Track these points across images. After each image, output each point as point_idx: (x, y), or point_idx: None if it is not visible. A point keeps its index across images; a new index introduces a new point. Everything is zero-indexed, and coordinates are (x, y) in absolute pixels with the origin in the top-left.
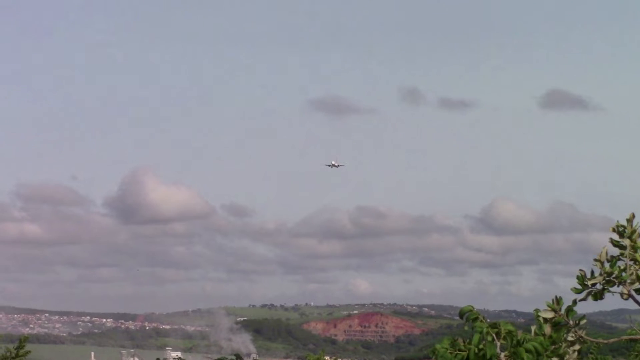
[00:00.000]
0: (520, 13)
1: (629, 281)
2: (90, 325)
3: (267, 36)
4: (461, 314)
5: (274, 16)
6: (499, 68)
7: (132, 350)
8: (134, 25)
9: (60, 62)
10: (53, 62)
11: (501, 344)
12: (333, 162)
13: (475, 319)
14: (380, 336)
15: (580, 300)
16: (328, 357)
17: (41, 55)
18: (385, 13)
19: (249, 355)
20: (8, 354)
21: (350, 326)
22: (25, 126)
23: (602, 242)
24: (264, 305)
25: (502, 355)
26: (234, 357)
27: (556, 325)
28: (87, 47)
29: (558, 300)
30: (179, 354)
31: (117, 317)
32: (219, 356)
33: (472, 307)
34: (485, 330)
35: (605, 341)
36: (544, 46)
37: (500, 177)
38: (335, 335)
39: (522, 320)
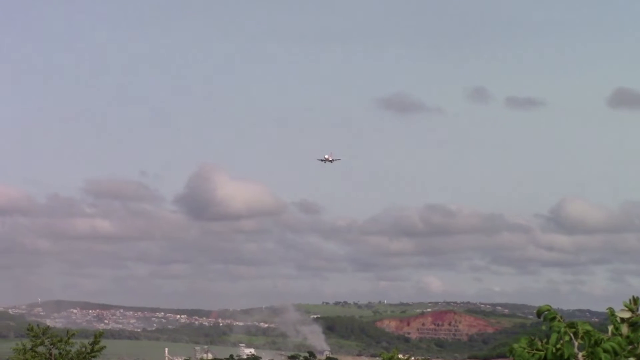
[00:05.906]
0: (587, 12)
1: None
2: (165, 321)
3: (336, 35)
4: (539, 313)
5: (342, 15)
6: (566, 66)
7: (205, 347)
8: (202, 24)
9: (130, 60)
10: (123, 59)
11: (579, 343)
12: (326, 157)
13: (553, 318)
14: (454, 334)
15: None
16: (401, 355)
17: (110, 52)
18: (453, 12)
19: (322, 352)
20: (83, 349)
21: (423, 324)
22: (95, 123)
23: None
24: (337, 303)
25: (580, 355)
26: (307, 354)
27: (633, 325)
28: (156, 45)
29: (635, 300)
30: (252, 350)
31: (191, 313)
32: (292, 353)
33: (549, 306)
34: (563, 330)
35: None
36: (611, 44)
37: (569, 176)
38: (409, 333)
39: (596, 319)
